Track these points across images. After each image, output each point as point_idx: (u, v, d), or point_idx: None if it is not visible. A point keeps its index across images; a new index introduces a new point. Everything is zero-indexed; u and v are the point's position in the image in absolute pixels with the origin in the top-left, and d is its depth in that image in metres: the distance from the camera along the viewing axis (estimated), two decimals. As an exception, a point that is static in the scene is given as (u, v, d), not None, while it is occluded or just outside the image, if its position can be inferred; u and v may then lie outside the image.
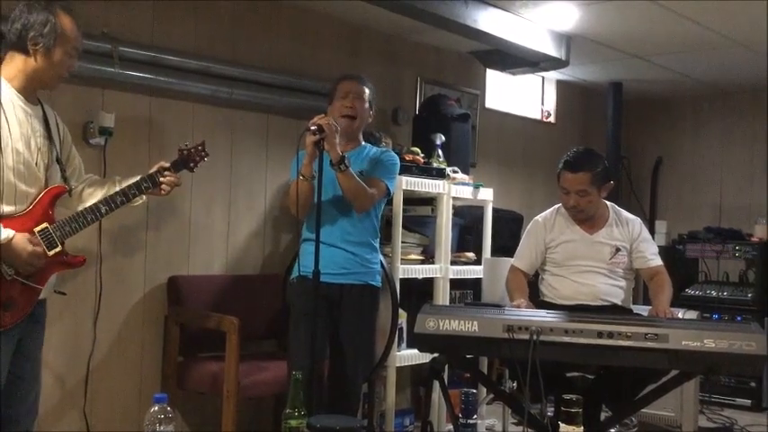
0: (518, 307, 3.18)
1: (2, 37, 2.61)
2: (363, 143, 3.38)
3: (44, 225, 2.49)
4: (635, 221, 3.47)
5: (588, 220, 3.42)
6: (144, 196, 2.76)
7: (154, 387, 3.69)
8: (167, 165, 2.77)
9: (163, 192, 2.76)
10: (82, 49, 2.60)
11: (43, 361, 2.69)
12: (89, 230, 3.42)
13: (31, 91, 2.51)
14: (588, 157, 3.41)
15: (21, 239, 2.40)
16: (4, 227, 2.37)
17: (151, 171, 2.75)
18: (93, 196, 2.69)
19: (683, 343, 2.55)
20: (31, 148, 2.47)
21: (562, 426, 1.54)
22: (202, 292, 3.84)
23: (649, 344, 2.57)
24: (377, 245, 3.34)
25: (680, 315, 4.25)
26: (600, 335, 2.61)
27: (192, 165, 2.87)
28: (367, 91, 3.30)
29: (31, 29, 2.42)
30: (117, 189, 2.67)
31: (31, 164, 2.47)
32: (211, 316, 3.61)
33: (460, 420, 1.84)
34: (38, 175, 2.50)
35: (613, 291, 3.37)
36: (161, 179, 2.73)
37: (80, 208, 2.62)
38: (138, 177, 2.73)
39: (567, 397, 1.53)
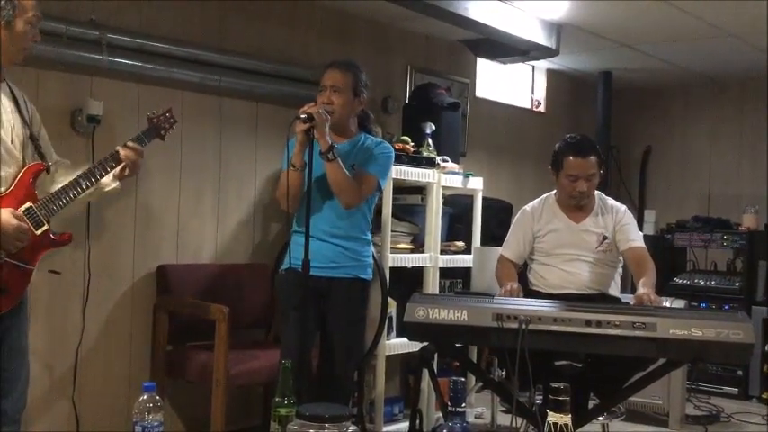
0: (510, 289, 3.19)
1: None
2: (359, 133, 3.28)
3: (28, 204, 2.43)
4: (619, 208, 3.48)
5: (579, 207, 3.43)
6: (117, 182, 2.66)
7: (143, 376, 3.68)
8: (133, 137, 2.68)
9: (125, 163, 2.61)
10: (41, 15, 2.49)
11: (31, 349, 2.65)
12: (78, 219, 3.44)
13: None
14: (590, 141, 3.45)
15: (4, 215, 2.35)
16: None
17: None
18: (68, 176, 2.60)
19: (671, 332, 2.56)
20: (5, 127, 2.41)
21: (550, 414, 1.55)
22: (191, 281, 3.83)
23: (637, 332, 2.58)
24: (368, 237, 3.29)
25: (666, 304, 4.27)
26: (588, 323, 2.62)
27: (162, 132, 2.80)
28: (350, 79, 3.16)
29: None
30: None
31: (6, 142, 2.41)
32: (200, 304, 3.61)
33: (449, 408, 1.84)
34: (15, 153, 2.45)
35: (601, 279, 3.39)
36: (120, 149, 2.62)
37: (53, 189, 2.54)
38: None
39: (554, 385, 1.54)
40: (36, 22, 2.46)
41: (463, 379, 1.91)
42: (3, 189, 2.41)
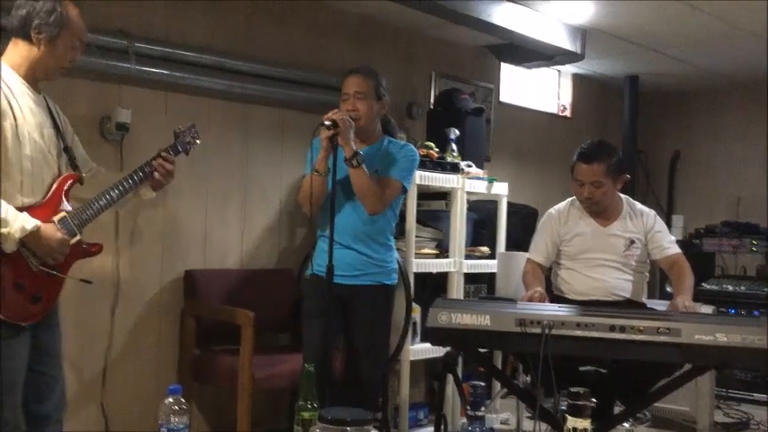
0: (531, 296, 3.18)
1: (1, 30, 2.59)
2: (383, 137, 3.28)
3: (62, 214, 2.47)
4: (649, 213, 3.46)
5: (602, 212, 3.42)
6: (153, 192, 2.72)
7: (170, 379, 3.73)
8: (164, 149, 2.71)
9: (157, 175, 2.65)
10: (86, 41, 2.55)
11: (63, 353, 2.70)
12: (107, 224, 3.50)
13: (35, 80, 2.47)
14: (602, 148, 3.41)
15: (49, 227, 2.39)
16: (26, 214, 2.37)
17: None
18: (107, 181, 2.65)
19: (696, 337, 2.54)
20: (44, 137, 2.45)
21: (570, 418, 1.55)
22: (218, 286, 3.87)
23: (662, 338, 2.56)
24: (392, 243, 3.29)
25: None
26: (612, 329, 2.60)
27: (188, 147, 2.81)
28: (372, 84, 3.16)
29: (36, 16, 2.37)
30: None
31: (46, 152, 2.46)
32: (226, 309, 3.65)
33: (468, 413, 1.85)
34: (52, 164, 2.49)
35: (626, 285, 3.36)
36: (154, 162, 2.65)
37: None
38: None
39: (574, 390, 1.54)
40: (79, 46, 2.49)
41: (482, 383, 1.93)
42: (40, 198, 2.45)
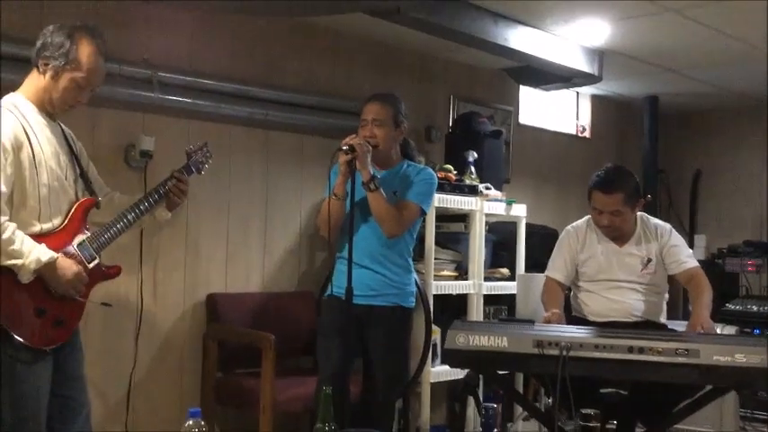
0: (549, 318, 3.19)
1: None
2: (402, 161, 3.34)
3: (81, 238, 2.52)
4: (664, 228, 3.43)
5: (619, 236, 3.41)
6: (169, 213, 2.76)
7: (193, 402, 3.75)
8: (176, 170, 2.76)
9: (173, 195, 2.71)
10: (96, 84, 2.55)
11: (87, 377, 2.73)
12: (131, 250, 3.57)
13: (46, 108, 2.51)
14: (620, 176, 3.36)
15: (65, 261, 2.43)
16: (44, 244, 2.40)
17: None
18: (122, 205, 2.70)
19: (714, 358, 2.54)
20: (61, 164, 2.50)
21: (582, 440, 1.57)
22: (240, 310, 3.92)
23: (680, 359, 2.56)
24: (411, 265, 3.33)
25: (717, 330, 4.19)
26: (630, 350, 2.61)
27: (200, 167, 2.85)
28: (390, 111, 3.22)
29: (47, 48, 2.44)
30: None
31: (62, 179, 2.50)
32: (248, 333, 3.70)
33: (481, 435, 1.87)
34: (68, 190, 2.54)
35: (645, 306, 3.35)
36: (168, 183, 2.70)
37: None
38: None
39: (585, 411, 1.56)
40: (86, 86, 2.50)
41: (494, 405, 1.94)
42: (57, 223, 2.49)
